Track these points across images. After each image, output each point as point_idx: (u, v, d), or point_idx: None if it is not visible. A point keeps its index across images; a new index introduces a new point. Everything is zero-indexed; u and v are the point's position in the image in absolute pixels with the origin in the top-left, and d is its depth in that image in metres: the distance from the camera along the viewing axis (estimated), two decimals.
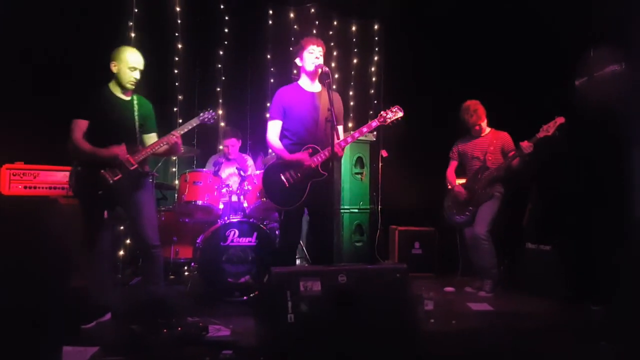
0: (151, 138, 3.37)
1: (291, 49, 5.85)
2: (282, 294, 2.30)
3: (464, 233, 4.49)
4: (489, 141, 4.36)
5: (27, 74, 4.25)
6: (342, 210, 5.22)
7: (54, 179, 3.84)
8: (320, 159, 3.34)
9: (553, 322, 3.45)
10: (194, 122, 3.37)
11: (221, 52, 5.72)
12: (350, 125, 5.91)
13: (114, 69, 3.22)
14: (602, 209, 3.85)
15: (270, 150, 4.74)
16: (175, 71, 5.43)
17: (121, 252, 4.44)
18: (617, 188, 3.76)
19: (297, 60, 3.49)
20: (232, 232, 3.99)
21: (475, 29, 5.17)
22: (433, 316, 3.38)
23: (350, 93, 6.17)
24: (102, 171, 3.07)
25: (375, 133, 5.47)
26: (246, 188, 4.26)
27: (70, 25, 4.39)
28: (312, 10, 6.01)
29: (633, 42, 3.76)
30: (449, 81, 5.15)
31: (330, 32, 6.10)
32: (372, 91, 6.27)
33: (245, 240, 4.01)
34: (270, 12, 5.97)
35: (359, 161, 5.41)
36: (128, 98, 3.31)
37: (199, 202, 4.24)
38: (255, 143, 5.69)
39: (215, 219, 4.38)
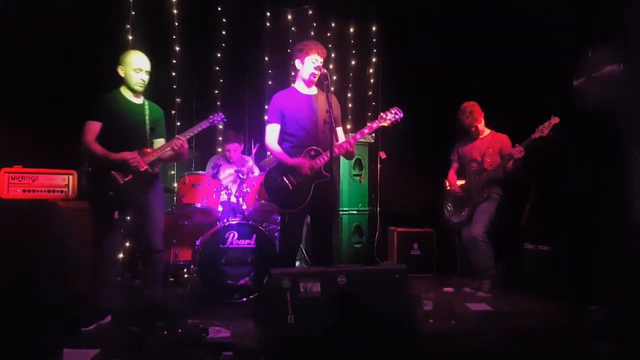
0: (159, 143, 3.38)
1: (289, 50, 5.87)
2: (282, 295, 2.31)
3: (462, 234, 4.51)
4: (487, 143, 4.37)
5: (24, 77, 4.25)
6: (341, 212, 5.23)
7: (53, 182, 3.84)
8: (323, 161, 3.33)
9: (551, 321, 3.47)
10: (203, 125, 3.37)
11: (219, 55, 5.73)
12: (348, 126, 5.92)
13: (121, 72, 3.24)
14: (601, 208, 3.87)
15: (268, 153, 4.76)
16: (173, 74, 5.43)
17: (120, 255, 4.44)
18: (616, 188, 3.77)
19: (297, 63, 3.46)
20: (232, 235, 4.00)
21: (474, 30, 5.18)
22: (432, 316, 3.38)
23: (349, 95, 6.17)
24: (112, 172, 3.08)
25: (374, 135, 5.48)
26: (245, 190, 4.26)
27: (67, 28, 4.38)
28: (310, 12, 6.02)
29: (631, 42, 3.77)
30: (447, 82, 5.15)
31: (328, 34, 6.11)
32: (370, 93, 6.28)
33: (244, 243, 4.01)
34: (268, 14, 5.97)
35: (358, 163, 5.42)
36: (140, 102, 3.33)
37: (198, 205, 4.25)
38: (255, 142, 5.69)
39: (215, 221, 4.39)
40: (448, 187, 4.63)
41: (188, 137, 3.28)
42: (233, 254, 3.97)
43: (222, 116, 3.50)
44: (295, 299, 2.32)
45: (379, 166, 5.86)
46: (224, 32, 5.75)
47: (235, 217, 4.21)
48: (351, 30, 6.24)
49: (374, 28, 6.28)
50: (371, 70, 6.30)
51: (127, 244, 4.52)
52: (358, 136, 3.48)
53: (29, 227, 3.19)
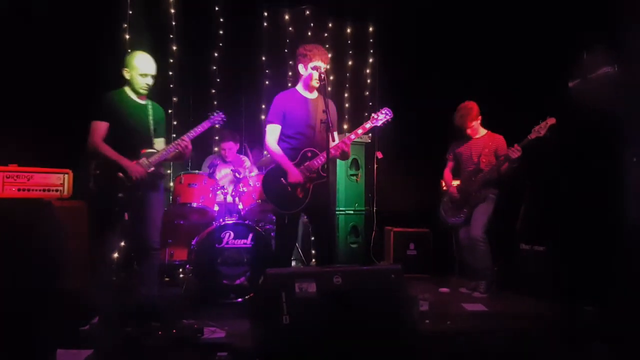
0: (159, 143, 3.38)
1: (286, 50, 5.87)
2: (277, 296, 2.30)
3: (459, 234, 4.51)
4: (483, 143, 4.38)
5: (20, 75, 4.23)
6: (337, 212, 5.23)
7: (48, 181, 3.82)
8: (320, 162, 3.33)
9: (547, 322, 3.47)
10: (205, 125, 3.36)
11: (216, 54, 5.71)
12: (345, 126, 5.92)
13: (127, 75, 3.24)
14: (596, 209, 3.88)
15: (265, 152, 4.75)
16: (170, 73, 5.41)
17: (115, 255, 4.42)
18: (611, 189, 3.78)
19: (300, 68, 3.42)
20: (227, 234, 3.99)
21: (471, 31, 5.19)
22: (428, 317, 3.39)
23: (345, 95, 6.17)
24: (119, 174, 3.08)
25: (370, 135, 5.48)
26: (241, 190, 4.25)
27: (64, 27, 4.37)
28: (307, 12, 6.02)
29: (626, 44, 3.78)
30: (444, 83, 5.16)
31: (325, 34, 6.11)
32: (367, 93, 6.28)
33: (240, 242, 4.01)
34: (265, 13, 5.97)
35: (354, 163, 5.42)
36: (143, 102, 3.34)
37: (194, 204, 4.23)
38: (251, 144, 5.68)
39: (211, 220, 4.38)
40: (444, 188, 4.64)
41: (192, 137, 3.27)
42: (229, 253, 3.97)
43: (223, 116, 3.49)
44: (291, 299, 2.32)
45: (375, 166, 5.86)
46: (221, 32, 5.73)
47: (232, 217, 4.20)
48: (348, 30, 6.24)
49: (370, 28, 6.29)
50: (368, 71, 6.30)
51: (122, 243, 4.50)
52: (352, 136, 3.48)
53: (23, 226, 3.17)
